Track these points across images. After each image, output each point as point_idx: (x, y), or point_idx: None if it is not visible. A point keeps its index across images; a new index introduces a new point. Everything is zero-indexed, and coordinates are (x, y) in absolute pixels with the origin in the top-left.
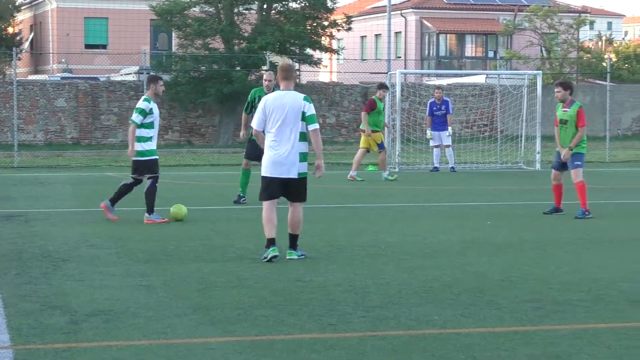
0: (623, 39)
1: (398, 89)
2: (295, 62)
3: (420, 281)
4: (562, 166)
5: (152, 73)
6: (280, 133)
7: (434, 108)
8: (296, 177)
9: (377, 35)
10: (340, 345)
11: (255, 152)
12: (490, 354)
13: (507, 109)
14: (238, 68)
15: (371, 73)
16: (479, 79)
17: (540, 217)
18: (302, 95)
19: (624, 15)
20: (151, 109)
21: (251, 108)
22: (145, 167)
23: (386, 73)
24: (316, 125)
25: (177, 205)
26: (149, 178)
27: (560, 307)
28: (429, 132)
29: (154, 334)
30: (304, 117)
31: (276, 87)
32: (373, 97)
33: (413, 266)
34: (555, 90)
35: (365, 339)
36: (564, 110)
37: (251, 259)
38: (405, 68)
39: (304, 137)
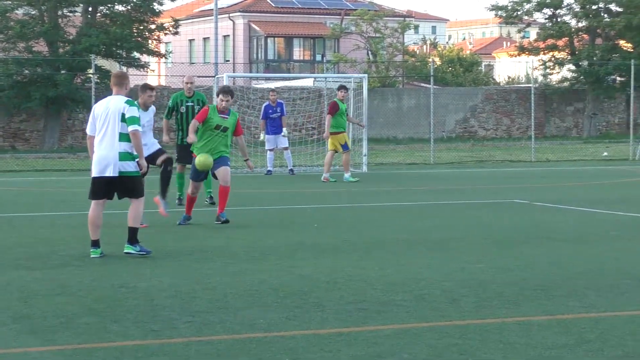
0: (447, 43)
1: None
2: (122, 65)
3: (246, 285)
4: (201, 178)
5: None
6: (104, 134)
7: (270, 111)
8: (116, 175)
9: (205, 39)
10: (163, 351)
11: (187, 155)
12: (314, 355)
13: None
14: (63, 71)
15: (199, 77)
16: (307, 82)
17: (364, 219)
18: (125, 99)
19: (448, 20)
20: None
21: (171, 113)
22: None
23: (214, 76)
24: (135, 127)
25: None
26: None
27: (384, 307)
28: (262, 135)
29: None
30: (124, 119)
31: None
32: (334, 99)
33: (239, 270)
34: (224, 99)
35: (189, 344)
36: (223, 118)
37: (75, 265)
38: (233, 71)
39: (126, 137)
